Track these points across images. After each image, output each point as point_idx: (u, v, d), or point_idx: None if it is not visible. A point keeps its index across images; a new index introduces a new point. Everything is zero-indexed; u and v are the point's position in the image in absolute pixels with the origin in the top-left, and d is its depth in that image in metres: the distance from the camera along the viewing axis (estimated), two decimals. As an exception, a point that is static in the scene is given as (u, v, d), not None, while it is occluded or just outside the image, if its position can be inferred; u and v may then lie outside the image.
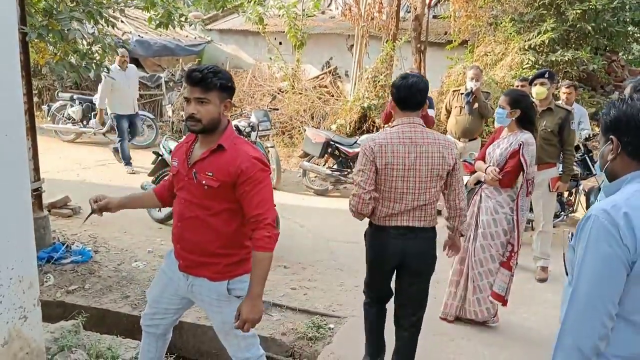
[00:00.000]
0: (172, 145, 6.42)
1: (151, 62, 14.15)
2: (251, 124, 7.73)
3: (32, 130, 5.10)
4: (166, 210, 6.26)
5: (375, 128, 9.17)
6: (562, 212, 6.30)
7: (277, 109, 8.84)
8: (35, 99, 11.96)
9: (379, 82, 9.81)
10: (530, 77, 5.73)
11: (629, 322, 1.57)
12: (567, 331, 1.58)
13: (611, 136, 1.65)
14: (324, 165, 7.82)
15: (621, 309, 1.56)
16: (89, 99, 10.16)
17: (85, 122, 10.09)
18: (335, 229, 6.38)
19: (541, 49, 9.44)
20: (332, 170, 7.62)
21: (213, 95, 2.41)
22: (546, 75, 5.15)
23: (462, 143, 6.75)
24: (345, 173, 7.49)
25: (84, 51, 5.31)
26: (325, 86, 11.57)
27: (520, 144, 3.76)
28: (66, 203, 6.57)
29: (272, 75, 11.31)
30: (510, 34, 9.70)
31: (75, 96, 10.24)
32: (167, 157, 6.28)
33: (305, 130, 8.36)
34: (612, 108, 1.67)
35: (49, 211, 6.42)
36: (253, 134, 6.62)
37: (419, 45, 10.26)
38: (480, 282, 3.98)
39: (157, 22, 6.32)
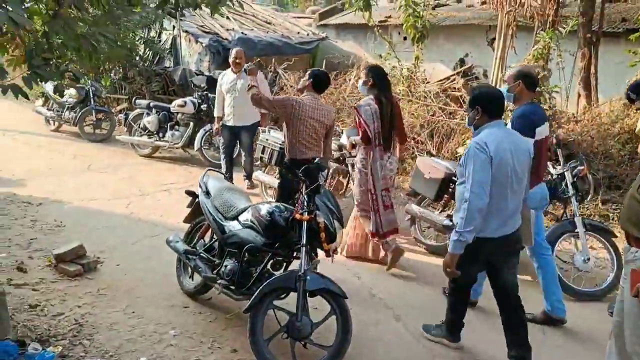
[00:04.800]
0: (214, 183, 4.43)
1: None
2: (340, 148, 5.56)
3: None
4: (198, 279, 4.31)
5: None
6: None
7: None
8: (125, 105, 10.84)
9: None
10: None
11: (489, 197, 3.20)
12: (470, 201, 3.15)
13: (477, 106, 3.31)
14: (441, 211, 5.35)
15: None
16: (166, 107, 8.65)
17: (161, 134, 8.58)
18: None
19: None
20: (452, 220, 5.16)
21: None
22: None
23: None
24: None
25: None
26: (457, 89, 8.96)
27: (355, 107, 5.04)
28: (78, 255, 4.86)
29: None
30: None
31: (152, 104, 8.79)
32: (204, 200, 4.30)
33: (416, 156, 5.97)
34: (475, 90, 3.57)
35: (55, 266, 4.79)
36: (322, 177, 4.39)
37: (589, 36, 7.35)
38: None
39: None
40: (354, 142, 5.09)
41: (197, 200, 4.47)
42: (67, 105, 9.90)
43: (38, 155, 8.68)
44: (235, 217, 4.02)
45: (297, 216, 3.60)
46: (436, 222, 5.20)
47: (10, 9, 2.75)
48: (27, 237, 5.44)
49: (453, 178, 5.05)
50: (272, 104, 4.74)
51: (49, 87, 10.44)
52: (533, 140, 3.76)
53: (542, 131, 3.96)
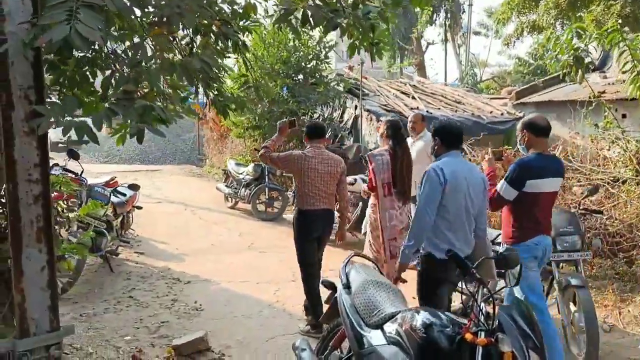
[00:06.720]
0: (357, 273, 3.30)
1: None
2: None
3: (46, 231, 2.56)
4: None
5: None
6: None
7: (600, 213, 4.65)
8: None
9: None
10: None
11: (443, 218, 3.43)
12: (413, 227, 3.46)
13: (436, 137, 3.57)
14: None
15: (440, 211, 3.42)
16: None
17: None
18: None
19: None
20: None
21: None
22: None
23: None
24: None
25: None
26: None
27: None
28: (198, 349, 4.02)
29: (604, 157, 7.04)
30: None
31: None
32: (343, 296, 3.18)
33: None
34: (437, 125, 3.68)
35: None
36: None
37: None
38: None
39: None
40: (364, 190, 5.37)
41: (335, 295, 3.38)
42: (243, 183, 9.80)
43: (208, 231, 8.48)
44: (379, 326, 2.80)
45: (468, 336, 2.28)
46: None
47: (82, 21, 2.06)
48: (159, 319, 4.84)
49: None
50: (278, 161, 4.75)
51: (231, 164, 10.58)
52: (516, 192, 3.72)
53: (542, 185, 3.76)
